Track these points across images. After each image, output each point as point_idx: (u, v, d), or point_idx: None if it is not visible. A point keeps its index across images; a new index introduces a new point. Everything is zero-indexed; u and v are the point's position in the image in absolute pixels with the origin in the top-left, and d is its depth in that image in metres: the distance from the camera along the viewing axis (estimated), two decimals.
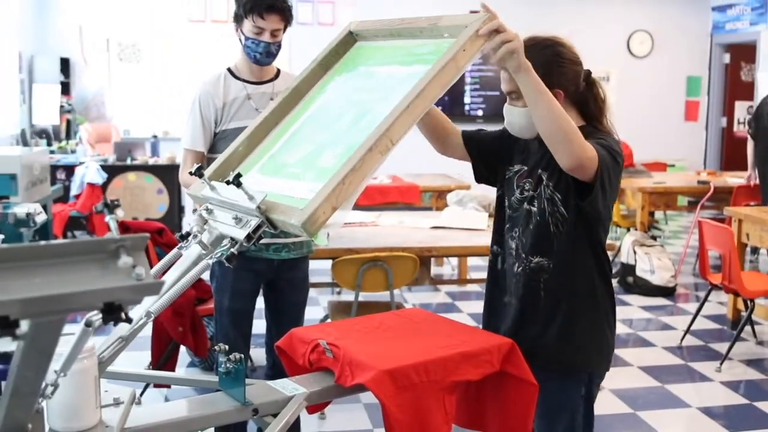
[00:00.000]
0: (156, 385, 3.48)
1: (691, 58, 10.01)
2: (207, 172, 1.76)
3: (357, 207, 5.73)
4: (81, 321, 1.26)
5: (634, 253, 5.80)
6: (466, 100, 9.37)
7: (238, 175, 1.56)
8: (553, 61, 1.87)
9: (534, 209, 1.95)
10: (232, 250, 1.56)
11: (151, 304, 1.64)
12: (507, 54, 1.66)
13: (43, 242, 0.97)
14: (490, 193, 4.51)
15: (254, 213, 1.55)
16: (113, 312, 0.97)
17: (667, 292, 5.74)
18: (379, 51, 1.93)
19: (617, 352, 4.41)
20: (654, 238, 6.29)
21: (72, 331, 1.30)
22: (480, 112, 9.38)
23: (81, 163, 6.94)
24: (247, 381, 1.67)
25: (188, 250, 1.69)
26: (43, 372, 1.15)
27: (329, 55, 2.00)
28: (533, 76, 1.70)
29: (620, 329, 4.91)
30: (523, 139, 1.99)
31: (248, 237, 1.55)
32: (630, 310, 5.38)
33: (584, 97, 1.95)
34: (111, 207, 1.33)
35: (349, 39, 2.02)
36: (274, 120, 1.91)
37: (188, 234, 1.68)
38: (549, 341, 1.95)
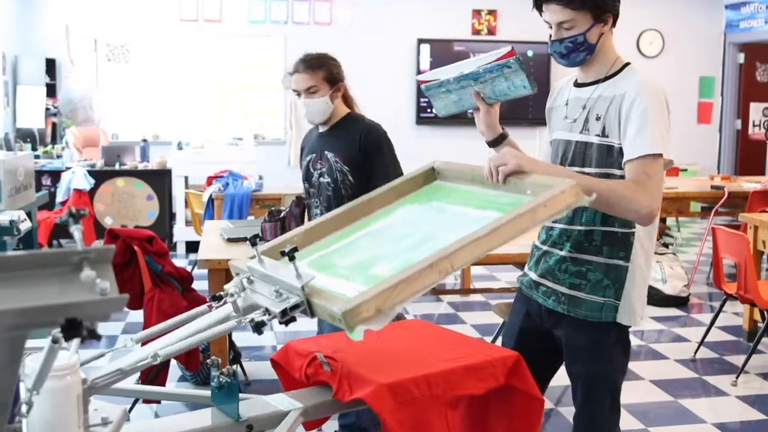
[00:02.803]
0: (145, 401, 3.47)
1: (703, 58, 10.03)
2: (260, 248, 1.81)
3: None
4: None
5: None
6: None
7: (294, 249, 1.61)
8: None
9: None
10: (263, 318, 1.60)
11: (161, 346, 1.64)
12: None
13: (0, 254, 0.96)
14: None
15: (297, 291, 1.59)
16: (75, 328, 0.95)
17: (680, 302, 5.74)
18: (456, 191, 2.08)
19: (628, 365, 4.40)
20: (666, 245, 6.29)
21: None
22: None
23: (67, 169, 6.95)
24: (241, 396, 1.67)
25: (219, 309, 1.73)
26: (8, 390, 1.13)
27: (406, 183, 2.16)
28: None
29: (631, 341, 4.90)
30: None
31: (284, 312, 1.58)
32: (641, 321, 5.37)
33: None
34: (76, 217, 1.33)
35: (430, 174, 2.19)
36: (334, 225, 2.02)
37: (221, 296, 1.74)
38: None
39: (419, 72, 9.13)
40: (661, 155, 1.95)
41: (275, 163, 8.69)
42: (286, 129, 9.06)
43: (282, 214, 3.58)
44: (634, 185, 1.94)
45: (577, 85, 2.19)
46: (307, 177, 3.15)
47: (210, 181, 6.36)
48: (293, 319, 1.62)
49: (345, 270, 1.77)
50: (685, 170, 9.30)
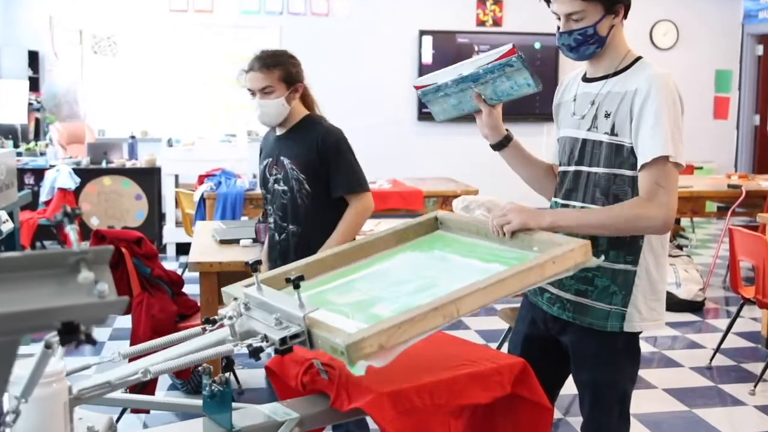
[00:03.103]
0: (133, 410, 3.48)
1: (720, 50, 10.03)
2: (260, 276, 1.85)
3: None
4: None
5: None
6: None
7: (301, 278, 1.67)
8: None
9: None
10: (262, 344, 1.64)
11: (153, 363, 1.64)
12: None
13: None
14: (499, 198, 4.52)
15: (298, 321, 1.64)
16: (72, 332, 0.95)
17: (695, 307, 5.74)
18: (458, 243, 2.14)
19: (640, 372, 4.40)
20: (680, 247, 6.29)
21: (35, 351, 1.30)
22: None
23: (51, 167, 6.95)
24: (234, 405, 1.67)
25: (214, 332, 1.76)
26: None
27: (407, 230, 2.21)
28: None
29: (643, 348, 4.89)
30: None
31: (283, 340, 1.62)
32: None
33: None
34: (71, 216, 1.32)
35: (432, 223, 2.25)
36: (332, 263, 2.07)
37: (215, 320, 1.76)
38: None
39: (421, 65, 9.14)
40: (675, 160, 1.98)
41: None
42: None
43: None
44: (645, 201, 1.99)
45: (585, 79, 2.20)
46: (263, 182, 3.11)
47: (201, 179, 6.36)
48: (290, 350, 1.66)
49: (344, 307, 1.81)
50: (701, 168, 9.30)
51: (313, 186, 2.95)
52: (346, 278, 2.01)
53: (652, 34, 9.81)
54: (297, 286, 1.65)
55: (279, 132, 3.07)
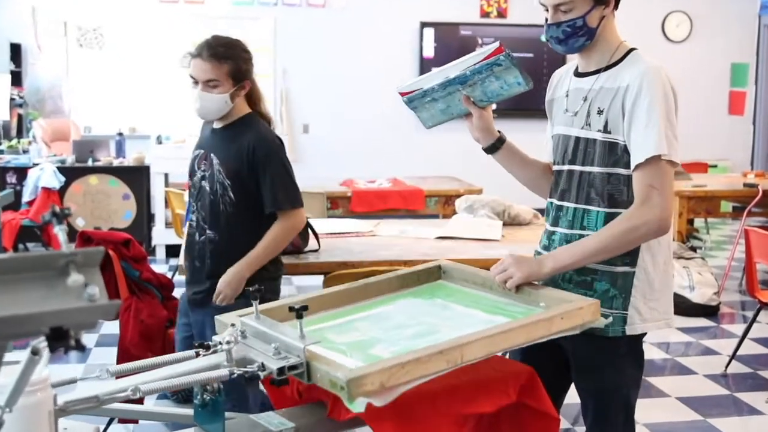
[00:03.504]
0: (121, 420, 3.46)
1: (736, 42, 10.03)
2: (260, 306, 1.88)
3: (353, 214, 5.74)
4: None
5: None
6: None
7: (305, 308, 1.72)
8: None
9: None
10: (258, 373, 1.66)
11: (144, 381, 1.65)
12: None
13: None
14: (503, 198, 4.53)
15: (297, 352, 1.67)
16: (61, 338, 0.95)
17: (710, 311, 5.74)
18: (461, 293, 2.18)
19: (652, 380, 4.42)
20: (693, 249, 6.29)
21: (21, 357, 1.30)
22: (494, 105, 9.41)
23: (35, 165, 6.95)
24: (227, 415, 1.67)
25: (209, 356, 1.78)
26: None
27: (409, 276, 2.26)
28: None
29: (655, 354, 4.92)
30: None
31: (281, 370, 1.64)
32: (666, 332, 5.37)
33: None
34: (60, 216, 1.32)
35: (435, 272, 2.29)
36: (331, 302, 2.10)
37: (209, 345, 1.78)
38: None
39: (422, 59, 9.15)
40: (668, 157, 2.00)
41: None
42: (276, 122, 9.01)
43: None
44: (635, 208, 2.02)
45: (577, 74, 2.21)
46: (191, 172, 3.05)
47: None
48: (286, 381, 1.68)
49: (342, 346, 1.83)
50: (715, 166, 9.31)
51: (237, 195, 2.88)
52: (345, 318, 2.05)
53: (664, 26, 9.81)
54: (300, 316, 1.70)
55: (216, 125, 3.01)
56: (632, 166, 2.04)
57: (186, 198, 6.08)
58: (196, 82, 2.88)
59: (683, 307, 5.69)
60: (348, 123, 9.08)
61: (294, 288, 6.39)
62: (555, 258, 2.09)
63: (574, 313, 1.88)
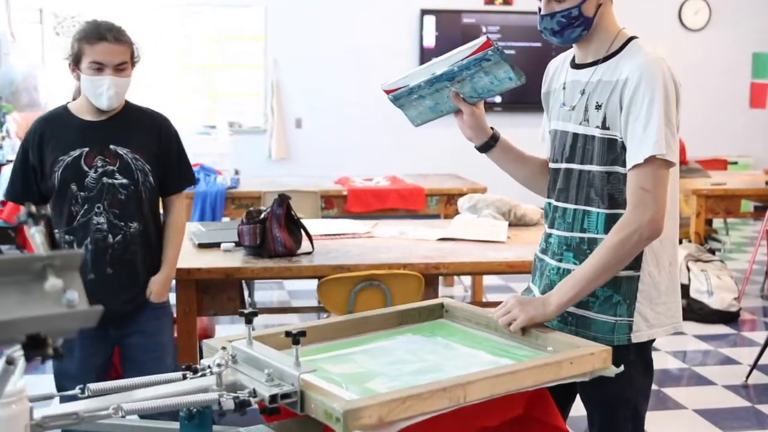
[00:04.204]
0: None
1: (757, 31, 10.03)
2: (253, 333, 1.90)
3: (348, 214, 5.74)
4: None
5: (688, 270, 5.82)
6: None
7: (302, 333, 1.73)
8: None
9: None
10: (249, 399, 1.67)
11: (127, 400, 1.65)
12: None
13: None
14: (509, 197, 4.54)
15: (292, 380, 1.68)
16: (38, 346, 0.95)
17: (729, 317, 5.75)
18: (464, 333, 2.19)
19: (667, 391, 4.43)
20: (712, 251, 6.30)
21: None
22: (498, 99, 9.42)
23: (8, 162, 6.94)
24: (215, 428, 1.68)
25: (197, 379, 1.79)
26: None
27: (410, 312, 2.27)
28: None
29: (672, 363, 4.92)
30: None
31: (273, 398, 1.65)
32: (683, 340, 5.39)
33: None
34: (36, 217, 1.32)
35: (436, 309, 2.30)
36: (325, 335, 2.12)
37: (196, 368, 1.80)
38: None
39: (422, 49, 9.15)
40: (664, 157, 2.01)
41: (254, 156, 8.69)
42: (267, 115, 9.07)
43: (262, 216, 3.58)
44: (626, 218, 2.04)
45: (574, 65, 2.21)
46: (76, 177, 2.92)
47: None
48: (277, 410, 1.68)
49: (338, 377, 1.84)
50: (735, 163, 9.32)
51: (155, 178, 3.00)
52: (342, 350, 2.06)
53: (681, 14, 9.82)
54: (297, 342, 1.71)
55: (91, 117, 2.98)
56: (628, 166, 2.05)
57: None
58: (99, 69, 2.89)
59: (701, 313, 5.70)
60: (343, 117, 9.08)
61: (286, 293, 6.40)
62: (558, 294, 2.09)
63: (585, 359, 1.89)
